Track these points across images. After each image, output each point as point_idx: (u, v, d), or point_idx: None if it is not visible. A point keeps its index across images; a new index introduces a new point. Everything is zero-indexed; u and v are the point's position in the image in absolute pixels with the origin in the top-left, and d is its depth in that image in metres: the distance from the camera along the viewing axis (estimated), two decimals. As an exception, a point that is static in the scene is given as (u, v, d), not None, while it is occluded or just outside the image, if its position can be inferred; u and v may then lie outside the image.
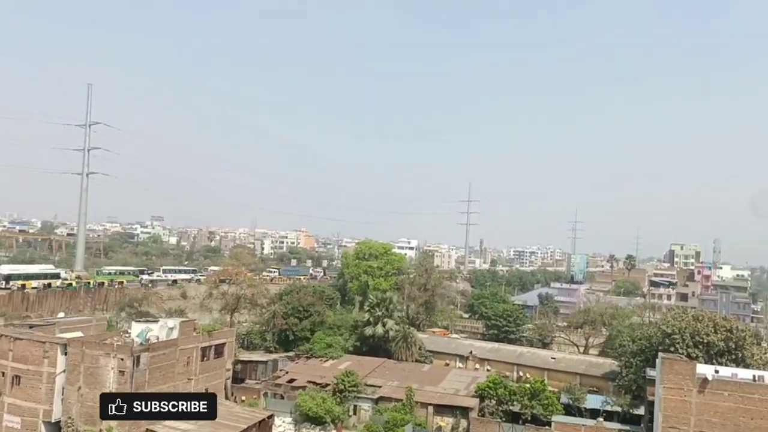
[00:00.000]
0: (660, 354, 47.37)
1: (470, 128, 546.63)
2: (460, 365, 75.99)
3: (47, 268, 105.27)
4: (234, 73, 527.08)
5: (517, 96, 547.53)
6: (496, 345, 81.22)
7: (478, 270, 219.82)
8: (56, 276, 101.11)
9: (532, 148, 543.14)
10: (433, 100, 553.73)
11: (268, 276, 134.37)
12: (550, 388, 59.25)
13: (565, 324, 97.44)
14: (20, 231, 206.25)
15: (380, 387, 61.74)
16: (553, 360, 73.41)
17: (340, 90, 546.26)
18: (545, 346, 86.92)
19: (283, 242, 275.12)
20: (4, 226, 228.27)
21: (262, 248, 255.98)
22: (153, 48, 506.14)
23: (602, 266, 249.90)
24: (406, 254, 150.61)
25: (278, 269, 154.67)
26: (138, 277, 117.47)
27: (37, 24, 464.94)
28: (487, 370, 71.96)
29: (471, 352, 77.20)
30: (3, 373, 51.86)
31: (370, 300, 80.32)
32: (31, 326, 59.42)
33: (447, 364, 75.66)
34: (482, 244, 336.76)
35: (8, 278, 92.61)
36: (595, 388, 63.86)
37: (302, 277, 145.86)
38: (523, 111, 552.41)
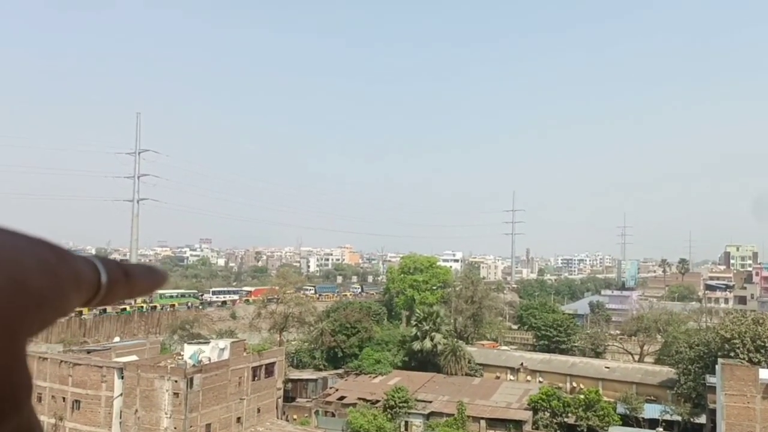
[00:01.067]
0: (720, 360, 45.87)
1: (510, 134, 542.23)
2: (511, 378, 74.85)
3: None
4: (270, 102, 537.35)
5: (556, 100, 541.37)
6: (547, 356, 79.74)
7: (525, 280, 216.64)
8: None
9: (574, 153, 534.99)
10: (469, 109, 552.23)
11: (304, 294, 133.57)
12: (605, 399, 57.86)
13: (618, 332, 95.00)
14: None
15: (431, 402, 61.33)
16: (607, 369, 71.62)
17: (371, 108, 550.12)
18: (598, 355, 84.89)
19: (328, 259, 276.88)
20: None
21: (308, 266, 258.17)
22: (194, 70, 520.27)
23: (654, 271, 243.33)
24: (451, 267, 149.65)
25: (314, 287, 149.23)
26: (198, 299, 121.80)
27: (85, 55, 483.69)
28: (539, 382, 70.68)
29: (522, 364, 76.00)
30: (63, 398, 53.56)
31: (417, 314, 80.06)
32: (88, 351, 61.37)
33: (498, 377, 74.65)
34: (529, 253, 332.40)
35: None
36: (652, 397, 62.03)
37: (331, 294, 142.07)
38: (563, 115, 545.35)
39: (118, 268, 1.20)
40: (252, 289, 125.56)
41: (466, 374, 72.85)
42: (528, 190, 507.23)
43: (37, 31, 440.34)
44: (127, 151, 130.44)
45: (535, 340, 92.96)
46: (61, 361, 55.19)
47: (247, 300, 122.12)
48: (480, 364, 76.88)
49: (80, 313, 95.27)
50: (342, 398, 63.94)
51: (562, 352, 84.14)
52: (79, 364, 54.12)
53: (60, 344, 77.05)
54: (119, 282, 1.19)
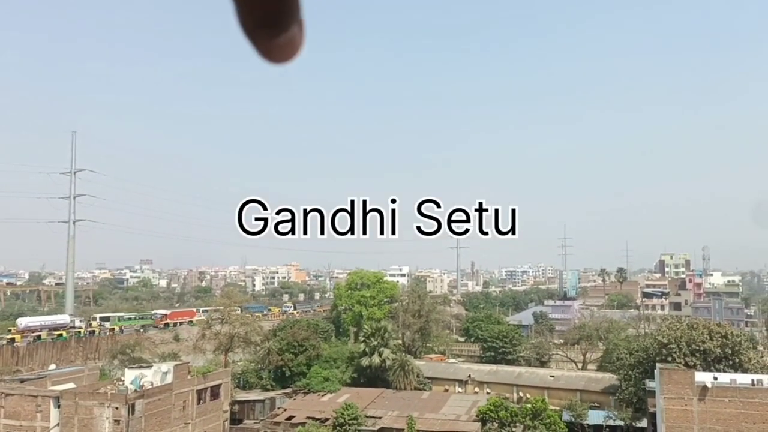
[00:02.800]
0: (658, 365, 47.49)
1: (446, 148, 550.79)
2: (460, 390, 75.40)
3: (60, 318, 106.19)
4: (218, 119, 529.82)
5: (491, 108, 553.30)
6: (494, 367, 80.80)
7: (471, 293, 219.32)
8: (68, 326, 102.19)
9: (513, 164, 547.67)
10: (406, 122, 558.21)
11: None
12: (551, 407, 58.94)
13: (562, 341, 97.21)
14: (8, 284, 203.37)
15: (380, 418, 61.07)
16: (552, 378, 73.11)
17: (311, 128, 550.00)
18: (543, 364, 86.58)
19: (274, 277, 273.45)
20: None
21: (254, 285, 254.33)
22: (136, 88, 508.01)
23: (594, 281, 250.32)
24: (398, 281, 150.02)
25: (240, 307, 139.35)
26: (154, 320, 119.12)
27: (23, 65, 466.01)
28: (487, 393, 71.46)
29: (469, 376, 76.72)
30: (-5, 431, 50.85)
31: (365, 330, 79.84)
32: (22, 380, 58.48)
33: (446, 390, 75.07)
34: (474, 266, 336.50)
35: (23, 331, 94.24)
36: (596, 404, 63.57)
37: (259, 314, 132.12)
38: (499, 123, 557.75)
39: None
40: (167, 312, 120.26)
41: (415, 388, 72.97)
42: (469, 203, 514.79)
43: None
44: (62, 171, 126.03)
45: (481, 351, 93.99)
46: (-8, 392, 52.43)
47: (167, 324, 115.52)
48: (429, 378, 77.16)
49: (12, 340, 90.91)
50: (291, 418, 62.97)
51: (509, 362, 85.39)
52: (12, 395, 51.49)
53: (-10, 374, 73.22)
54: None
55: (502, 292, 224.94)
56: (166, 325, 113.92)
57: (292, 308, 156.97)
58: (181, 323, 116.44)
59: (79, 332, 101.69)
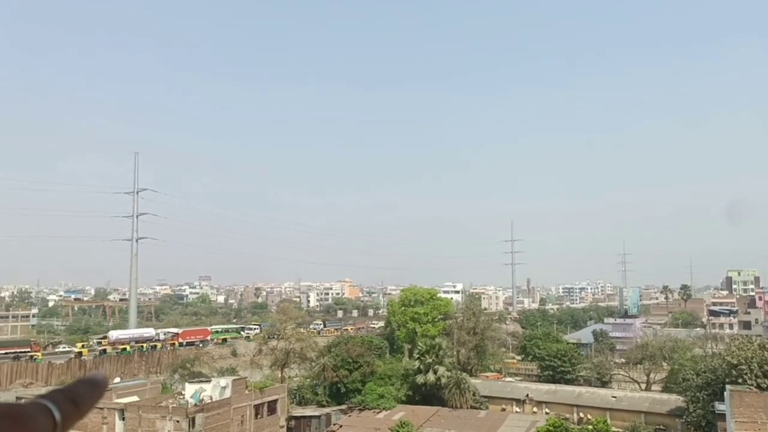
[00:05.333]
0: (728, 387, 45.33)
1: (507, 163, 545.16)
2: (517, 409, 73.81)
3: (147, 332, 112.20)
4: (271, 138, 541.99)
5: (553, 129, 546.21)
6: (553, 386, 78.79)
7: (527, 310, 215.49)
8: (153, 338, 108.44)
9: (573, 181, 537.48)
10: (466, 139, 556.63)
11: (250, 333, 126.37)
12: (614, 429, 57.05)
13: (623, 360, 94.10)
14: (75, 299, 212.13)
15: (436, 436, 60.35)
16: (614, 399, 70.72)
17: (366, 141, 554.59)
18: (604, 384, 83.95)
19: (328, 293, 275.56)
20: (61, 296, 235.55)
21: (308, 301, 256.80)
22: (195, 112, 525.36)
23: (656, 298, 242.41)
24: (452, 298, 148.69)
25: (260, 325, 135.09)
26: (240, 334, 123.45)
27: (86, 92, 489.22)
28: (546, 413, 69.69)
29: (527, 395, 75.02)
30: (63, 442, 52.67)
31: (419, 347, 79.29)
32: (88, 393, 60.39)
33: (503, 409, 73.61)
34: (529, 283, 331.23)
35: (114, 343, 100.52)
36: (661, 426, 61.19)
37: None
38: (561, 144, 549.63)
39: (66, 400, 1.30)
40: (179, 330, 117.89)
41: (471, 407, 71.82)
42: (527, 220, 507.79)
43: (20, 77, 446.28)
44: (126, 191, 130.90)
45: (539, 370, 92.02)
46: (61, 404, 54.48)
47: (171, 345, 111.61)
48: (485, 397, 75.88)
49: (80, 354, 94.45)
50: (346, 435, 62.98)
51: (568, 382, 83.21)
52: (79, 406, 53.42)
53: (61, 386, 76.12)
54: (71, 413, 1.30)
55: (560, 310, 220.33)
56: (180, 344, 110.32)
57: (322, 326, 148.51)
58: (191, 343, 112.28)
59: (142, 347, 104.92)
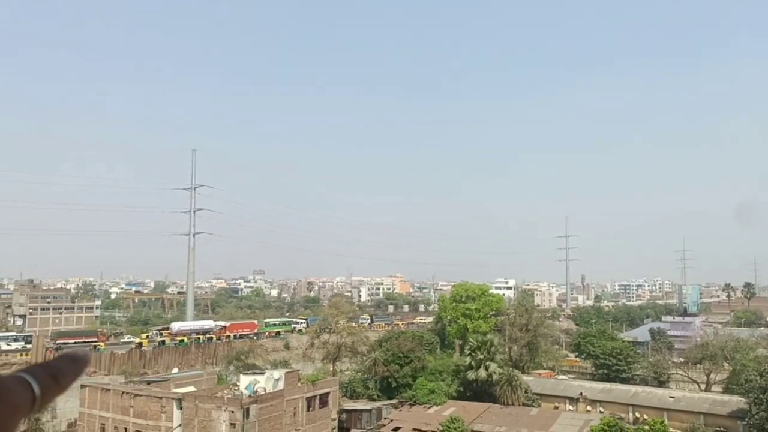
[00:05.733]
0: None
1: (562, 157, 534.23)
2: (570, 408, 72.63)
3: (207, 324, 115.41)
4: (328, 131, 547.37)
5: (611, 123, 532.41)
6: (607, 385, 77.13)
7: (581, 307, 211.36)
8: (213, 330, 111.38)
9: (629, 177, 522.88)
10: (521, 134, 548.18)
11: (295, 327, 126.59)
12: (671, 430, 55.50)
13: (682, 360, 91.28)
14: (136, 292, 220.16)
15: (487, 433, 60.03)
16: (672, 399, 68.73)
17: (413, 136, 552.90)
18: (661, 384, 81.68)
19: (379, 288, 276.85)
20: (122, 288, 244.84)
21: (359, 296, 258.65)
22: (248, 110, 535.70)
23: (717, 296, 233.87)
24: (504, 294, 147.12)
25: (306, 319, 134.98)
26: (287, 326, 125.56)
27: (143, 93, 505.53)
28: (600, 412, 68.33)
29: (581, 394, 73.70)
30: (125, 429, 54.74)
31: (471, 343, 78.86)
32: (148, 382, 62.63)
33: (556, 407, 72.58)
34: (584, 279, 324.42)
35: (176, 334, 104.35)
36: (722, 429, 59.18)
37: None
38: (617, 139, 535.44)
39: (46, 374, 1.31)
40: (226, 323, 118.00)
41: (524, 404, 71.10)
42: (581, 215, 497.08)
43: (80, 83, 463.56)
44: (183, 187, 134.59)
45: (593, 368, 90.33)
46: (123, 392, 56.57)
47: (218, 337, 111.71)
48: (537, 394, 74.97)
49: (140, 344, 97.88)
50: (397, 429, 63.29)
51: (623, 381, 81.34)
52: (140, 395, 55.34)
53: (121, 375, 79.18)
54: (50, 388, 1.30)
55: (615, 307, 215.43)
56: (227, 337, 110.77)
57: (369, 321, 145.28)
58: (238, 336, 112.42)
59: (198, 339, 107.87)
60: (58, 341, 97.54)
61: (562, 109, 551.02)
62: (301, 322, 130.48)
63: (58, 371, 1.32)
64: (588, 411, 70.20)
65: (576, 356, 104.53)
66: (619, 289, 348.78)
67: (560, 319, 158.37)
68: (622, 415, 67.00)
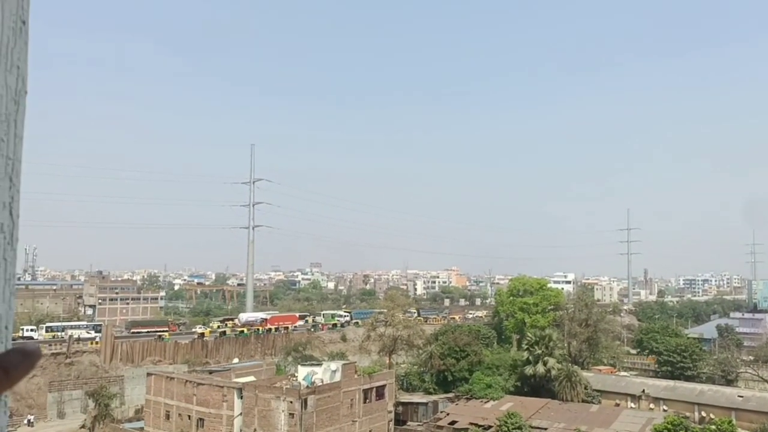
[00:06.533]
0: None
1: (623, 148, 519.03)
2: (632, 405, 70.80)
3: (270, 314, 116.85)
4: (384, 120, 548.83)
5: (674, 113, 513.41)
6: (671, 383, 74.82)
7: (644, 302, 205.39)
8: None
9: (693, 166, 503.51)
10: (580, 129, 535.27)
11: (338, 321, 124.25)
12: (740, 431, 53.36)
13: (752, 358, 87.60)
14: (198, 284, 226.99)
15: (546, 429, 59.18)
16: (740, 398, 66.09)
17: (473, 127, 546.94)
18: (729, 383, 78.67)
19: (434, 282, 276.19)
20: (185, 280, 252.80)
21: (415, 289, 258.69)
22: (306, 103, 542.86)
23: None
24: (562, 289, 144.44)
25: (349, 313, 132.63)
26: (334, 319, 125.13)
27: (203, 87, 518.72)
28: (664, 410, 66.38)
29: (643, 391, 71.77)
30: (189, 416, 56.58)
31: (528, 338, 77.91)
32: (210, 372, 64.48)
33: (617, 404, 70.89)
34: (647, 274, 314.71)
35: (245, 324, 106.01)
36: (795, 431, 56.49)
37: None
38: (680, 128, 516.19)
39: None
40: (267, 316, 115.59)
41: (583, 401, 69.77)
42: (644, 207, 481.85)
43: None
44: (243, 181, 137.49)
45: (656, 365, 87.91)
46: (186, 381, 58.47)
47: (258, 329, 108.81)
48: (597, 391, 73.45)
49: (202, 335, 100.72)
50: (453, 423, 63.11)
51: (688, 378, 78.82)
52: (203, 384, 57.07)
53: (185, 365, 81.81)
54: (1, 381, 1.30)
55: (680, 303, 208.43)
56: (268, 330, 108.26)
57: (416, 314, 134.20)
58: (278, 329, 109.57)
59: (258, 330, 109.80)
60: (132, 330, 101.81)
61: (616, 106, 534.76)
62: (345, 315, 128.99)
63: (9, 364, 1.30)
64: (651, 409, 68.33)
65: (637, 353, 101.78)
66: (684, 284, 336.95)
67: (621, 314, 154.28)
68: (687, 414, 64.87)
